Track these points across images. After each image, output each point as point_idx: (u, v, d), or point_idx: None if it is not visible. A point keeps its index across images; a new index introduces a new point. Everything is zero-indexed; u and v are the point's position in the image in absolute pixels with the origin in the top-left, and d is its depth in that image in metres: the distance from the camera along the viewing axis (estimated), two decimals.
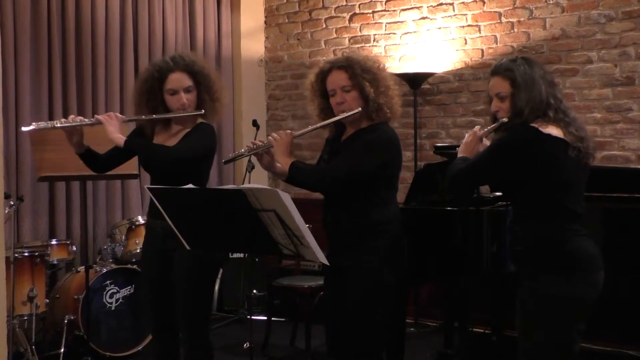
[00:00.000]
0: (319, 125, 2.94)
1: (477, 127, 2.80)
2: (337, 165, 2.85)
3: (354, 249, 2.83)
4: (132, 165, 3.62)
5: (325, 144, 3.09)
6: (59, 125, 3.09)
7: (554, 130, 2.54)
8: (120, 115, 3.14)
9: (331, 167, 2.89)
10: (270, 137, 2.87)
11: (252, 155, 2.87)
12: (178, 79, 3.12)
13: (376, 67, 2.89)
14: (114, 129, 3.08)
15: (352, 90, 2.85)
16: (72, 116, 3.18)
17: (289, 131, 2.89)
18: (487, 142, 2.79)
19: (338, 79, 2.87)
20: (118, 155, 3.28)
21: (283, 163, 2.84)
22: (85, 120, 3.16)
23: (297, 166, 2.83)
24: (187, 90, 3.13)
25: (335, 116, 2.89)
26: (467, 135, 2.81)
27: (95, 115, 3.17)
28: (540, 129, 2.53)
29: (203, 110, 3.15)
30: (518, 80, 2.59)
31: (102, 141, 3.26)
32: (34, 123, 3.14)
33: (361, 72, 2.84)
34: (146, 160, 3.17)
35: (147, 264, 3.26)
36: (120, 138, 3.08)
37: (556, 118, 2.56)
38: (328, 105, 2.94)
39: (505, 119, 2.63)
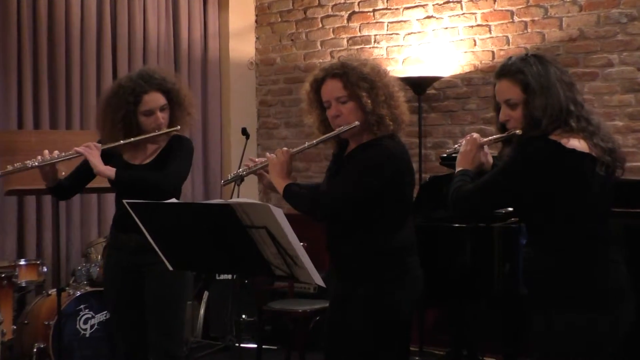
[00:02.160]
0: (315, 142, 2.87)
1: (475, 134, 2.65)
2: (333, 190, 2.79)
3: (359, 280, 2.76)
4: None
5: (332, 157, 3.03)
6: (36, 164, 3.23)
7: (577, 143, 2.39)
8: (99, 144, 3.26)
9: (327, 192, 2.82)
10: (267, 155, 2.87)
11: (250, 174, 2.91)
12: (153, 100, 3.27)
13: (375, 73, 2.79)
14: (99, 161, 3.20)
15: (349, 101, 2.76)
16: (46, 152, 3.27)
17: (286, 149, 2.84)
18: (488, 152, 2.67)
19: (332, 89, 2.78)
20: (82, 176, 3.42)
21: (277, 185, 2.81)
22: (63, 154, 3.26)
23: (291, 190, 2.79)
24: (161, 109, 3.29)
25: (332, 130, 2.82)
26: (463, 143, 2.66)
27: (74, 148, 3.27)
28: (562, 142, 2.38)
29: (179, 127, 3.32)
30: (532, 85, 2.42)
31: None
32: (9, 166, 3.28)
33: (357, 81, 2.74)
34: (140, 191, 3.16)
35: (114, 283, 3.33)
36: (109, 170, 3.20)
37: (579, 127, 2.41)
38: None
39: (518, 131, 2.45)
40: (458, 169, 2.63)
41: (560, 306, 2.41)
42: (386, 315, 2.73)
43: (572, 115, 2.41)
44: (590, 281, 2.41)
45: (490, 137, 2.63)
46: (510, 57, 2.53)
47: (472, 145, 2.63)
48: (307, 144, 2.87)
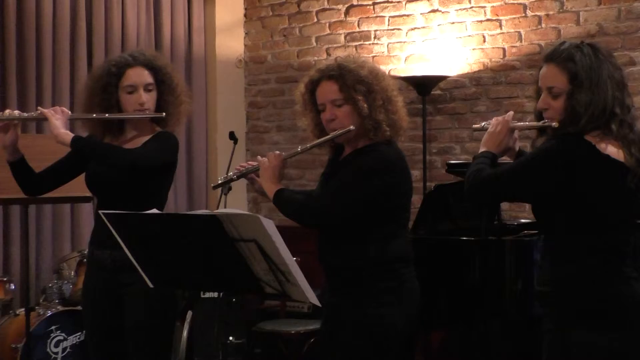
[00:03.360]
0: (308, 145, 2.96)
1: (509, 114, 2.67)
2: (325, 197, 2.88)
3: (351, 292, 2.85)
4: (83, 186, 3.61)
5: (327, 162, 3.13)
6: None
7: (613, 150, 2.42)
8: (67, 111, 3.19)
9: (318, 198, 2.92)
10: (258, 158, 2.95)
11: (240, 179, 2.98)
12: (138, 74, 3.20)
13: (373, 77, 2.89)
14: (60, 124, 3.12)
15: (345, 104, 2.86)
16: (8, 110, 3.21)
17: (278, 153, 2.93)
18: (517, 137, 2.69)
19: (328, 92, 2.88)
20: (58, 173, 3.33)
21: (267, 190, 2.90)
22: (25, 114, 3.20)
23: (281, 195, 2.87)
24: (147, 89, 3.21)
25: (328, 134, 2.92)
26: (493, 122, 2.67)
27: (38, 108, 3.22)
28: (597, 146, 2.41)
29: (164, 114, 3.23)
30: (580, 76, 2.42)
31: (41, 156, 3.30)
32: None
33: (354, 84, 2.84)
34: (101, 160, 3.15)
35: (91, 305, 3.29)
36: (66, 134, 3.11)
37: (619, 134, 2.42)
38: None
39: (554, 123, 2.48)
40: (482, 149, 2.65)
41: (577, 320, 2.45)
42: (380, 329, 2.81)
43: (616, 118, 2.43)
44: (611, 295, 2.44)
45: (524, 123, 2.67)
46: (564, 42, 2.54)
47: (503, 126, 2.64)
48: (299, 148, 2.96)
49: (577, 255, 2.47)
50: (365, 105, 2.83)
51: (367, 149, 2.88)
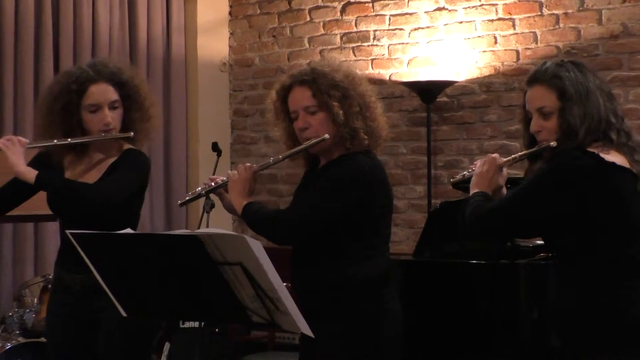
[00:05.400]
0: (281, 157, 3.04)
1: (494, 154, 2.83)
2: (294, 210, 2.96)
3: (327, 315, 2.88)
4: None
5: (303, 175, 3.20)
6: None
7: (617, 158, 2.56)
8: (24, 140, 3.17)
9: (288, 211, 2.98)
10: (228, 172, 3.01)
11: (210, 194, 3.02)
12: (101, 91, 3.19)
13: (349, 81, 2.95)
14: (19, 159, 3.10)
15: (319, 111, 2.93)
16: None
17: (249, 165, 3.00)
18: (505, 174, 2.82)
19: (300, 98, 2.95)
20: (16, 192, 3.30)
21: (236, 204, 2.98)
22: None
23: (249, 209, 2.95)
24: (112, 107, 3.21)
25: (300, 144, 2.98)
26: (479, 163, 2.82)
27: None
28: (601, 155, 2.54)
29: (132, 133, 3.23)
30: (569, 91, 2.59)
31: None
32: None
33: (328, 89, 2.90)
34: (67, 202, 3.16)
35: (56, 333, 3.28)
36: (29, 172, 3.10)
37: (619, 142, 2.59)
38: None
39: (553, 143, 2.62)
40: (473, 191, 2.79)
41: (597, 349, 2.54)
42: (358, 355, 2.86)
43: (613, 127, 2.61)
44: (632, 317, 2.53)
45: (512, 156, 2.81)
46: (545, 62, 2.73)
47: (490, 165, 2.79)
48: (272, 159, 3.05)
49: (599, 276, 2.56)
50: (340, 112, 2.90)
51: (342, 159, 2.95)
